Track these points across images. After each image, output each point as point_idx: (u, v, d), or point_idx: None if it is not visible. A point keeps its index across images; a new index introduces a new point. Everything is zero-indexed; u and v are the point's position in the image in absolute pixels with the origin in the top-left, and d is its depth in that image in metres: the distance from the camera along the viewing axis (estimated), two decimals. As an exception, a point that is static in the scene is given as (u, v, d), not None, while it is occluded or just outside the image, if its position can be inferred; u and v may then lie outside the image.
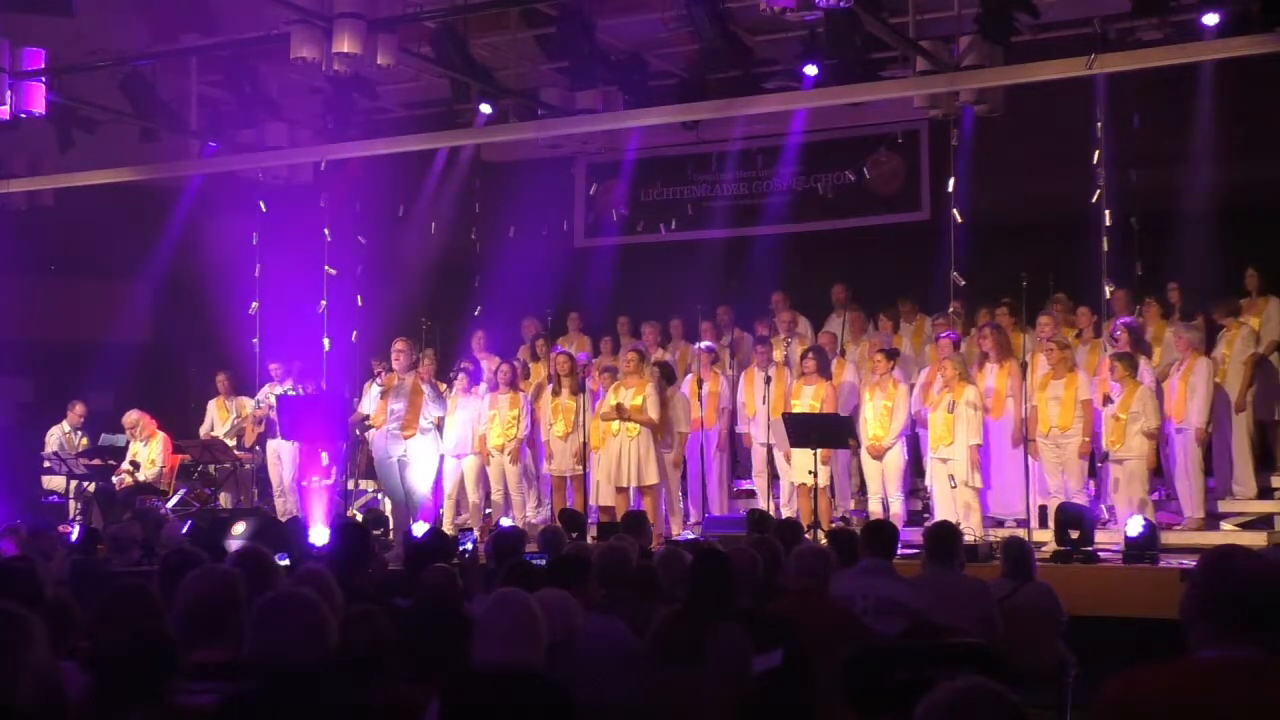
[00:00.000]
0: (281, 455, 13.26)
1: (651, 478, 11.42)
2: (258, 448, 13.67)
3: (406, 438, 11.30)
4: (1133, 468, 10.26)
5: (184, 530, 9.98)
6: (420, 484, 11.41)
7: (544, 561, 6.94)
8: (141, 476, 13.08)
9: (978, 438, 10.62)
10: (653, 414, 11.42)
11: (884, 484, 11.20)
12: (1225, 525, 10.80)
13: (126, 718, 3.57)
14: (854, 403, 11.67)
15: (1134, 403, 10.23)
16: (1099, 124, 11.08)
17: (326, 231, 13.61)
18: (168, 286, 15.79)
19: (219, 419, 13.91)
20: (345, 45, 10.32)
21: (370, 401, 11.71)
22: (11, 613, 3.28)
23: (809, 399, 11.30)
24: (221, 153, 13.69)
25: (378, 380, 11.61)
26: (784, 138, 14.67)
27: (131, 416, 13.32)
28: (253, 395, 13.88)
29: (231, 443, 13.69)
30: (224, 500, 13.58)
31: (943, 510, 10.58)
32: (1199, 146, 12.09)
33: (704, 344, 12.31)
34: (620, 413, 11.39)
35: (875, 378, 11.31)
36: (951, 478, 10.64)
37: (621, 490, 11.50)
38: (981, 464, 10.73)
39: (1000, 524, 10.86)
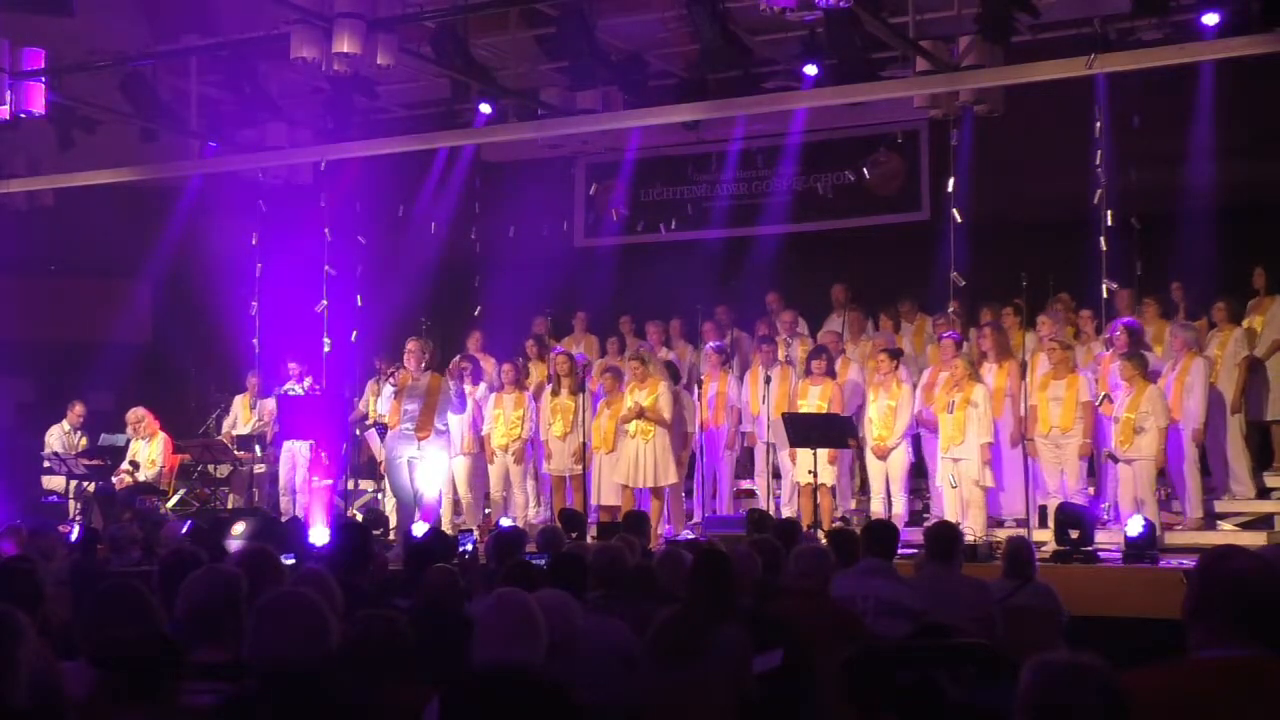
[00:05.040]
0: (296, 455, 13.21)
1: (670, 478, 11.49)
2: (257, 447, 13.66)
3: (421, 439, 11.23)
4: (1141, 468, 10.25)
5: (184, 530, 9.97)
6: (428, 485, 11.37)
7: (544, 561, 6.94)
8: (141, 476, 13.08)
9: (989, 436, 10.61)
10: (666, 414, 11.45)
11: (887, 483, 11.20)
12: (1225, 525, 10.80)
13: (128, 717, 3.57)
14: (857, 402, 11.68)
15: (1143, 403, 10.22)
16: (1099, 124, 11.07)
17: (326, 231, 13.61)
18: (168, 286, 15.79)
19: (243, 418, 13.91)
20: (345, 45, 10.32)
21: (384, 401, 11.66)
22: (2, 612, 3.28)
23: (815, 399, 11.31)
24: (221, 153, 13.69)
25: (390, 380, 11.53)
26: (784, 138, 14.67)
27: (136, 413, 13.34)
28: (251, 394, 13.90)
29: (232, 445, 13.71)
30: (233, 500, 13.56)
31: (948, 510, 10.58)
32: (1199, 146, 12.09)
33: (713, 344, 12.32)
34: (641, 413, 11.41)
35: (879, 378, 11.31)
36: (952, 477, 10.64)
37: (627, 490, 11.52)
38: (994, 463, 10.74)
39: (1000, 524, 10.87)
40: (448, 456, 11.79)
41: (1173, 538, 10.18)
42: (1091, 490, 10.88)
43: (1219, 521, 10.83)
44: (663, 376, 11.68)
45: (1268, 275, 11.52)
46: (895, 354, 11.49)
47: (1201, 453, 10.76)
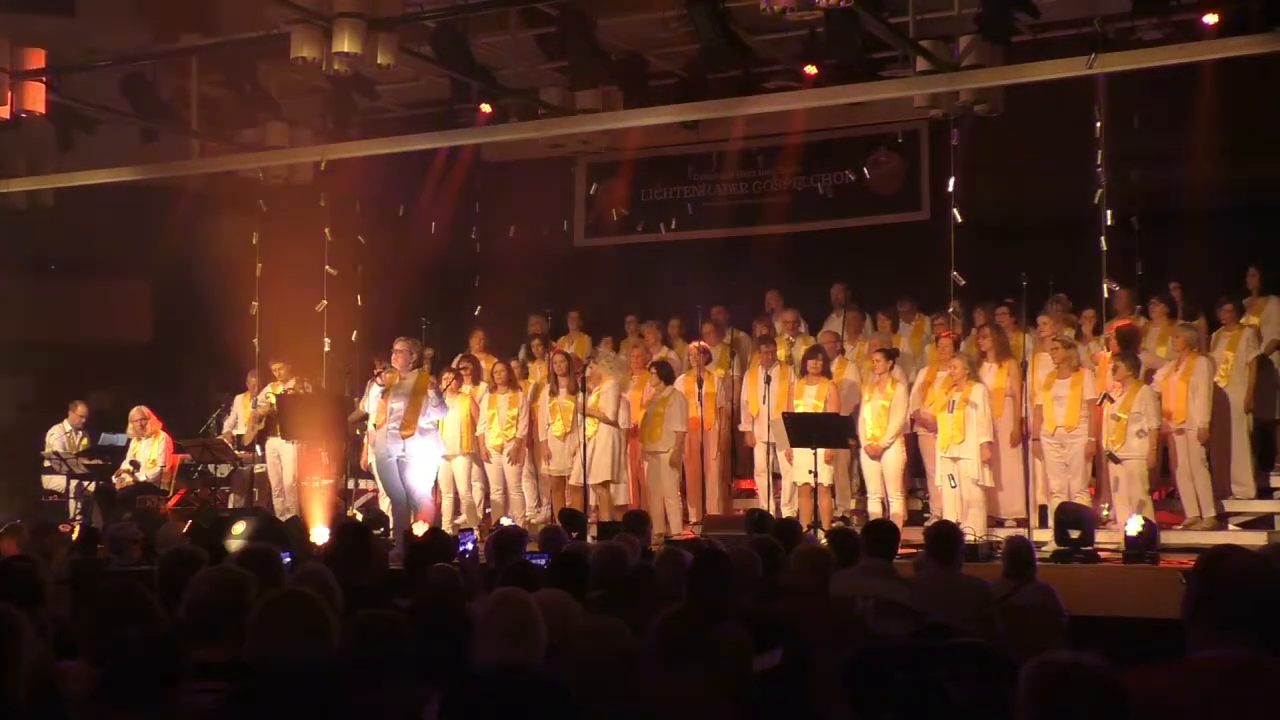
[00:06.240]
0: (281, 455, 13.26)
1: (603, 474, 11.64)
2: (257, 447, 13.67)
3: (405, 437, 11.28)
4: (1133, 468, 10.26)
5: (184, 530, 9.97)
6: (419, 484, 11.41)
7: (544, 561, 6.94)
8: (141, 476, 13.08)
9: (989, 435, 10.62)
10: (609, 413, 11.53)
11: (883, 484, 11.21)
12: (1228, 525, 10.80)
13: (128, 717, 3.57)
14: (855, 402, 11.68)
15: (1135, 403, 10.24)
16: (1099, 124, 11.06)
17: (327, 231, 13.61)
18: (168, 286, 15.78)
19: (243, 418, 13.93)
20: (345, 45, 10.31)
21: (371, 400, 11.71)
22: (1, 611, 3.28)
23: (812, 398, 11.32)
24: (221, 153, 13.69)
25: (378, 379, 11.58)
26: (784, 138, 14.67)
27: (140, 411, 13.38)
28: (252, 394, 13.91)
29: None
30: (233, 500, 13.57)
31: (948, 510, 10.58)
32: (1199, 146, 12.08)
33: (698, 344, 12.38)
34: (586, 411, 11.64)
35: (874, 377, 11.33)
36: (951, 477, 10.64)
37: (594, 486, 11.69)
38: (993, 462, 10.74)
39: (1000, 524, 10.86)
40: (437, 453, 11.81)
41: (1173, 538, 10.18)
42: (1092, 490, 10.87)
43: (1220, 520, 10.83)
44: (611, 376, 11.81)
45: (1262, 275, 11.53)
46: (891, 354, 11.50)
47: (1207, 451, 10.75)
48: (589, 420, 11.63)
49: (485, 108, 12.77)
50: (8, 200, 14.53)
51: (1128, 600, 8.69)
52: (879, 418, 11.16)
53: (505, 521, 11.03)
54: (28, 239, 14.61)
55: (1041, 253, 11.95)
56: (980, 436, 10.59)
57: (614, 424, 11.73)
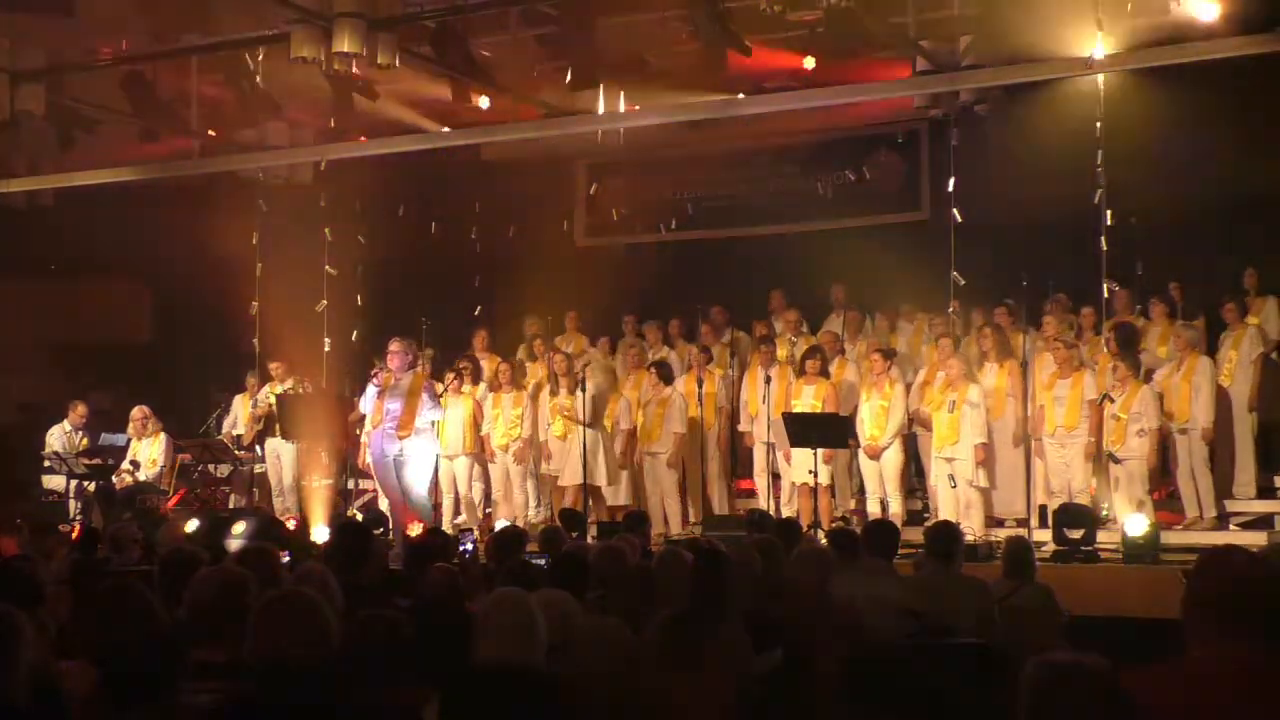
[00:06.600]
0: (281, 455, 13.26)
1: (592, 478, 11.67)
2: (257, 447, 13.68)
3: (402, 438, 11.29)
4: (1133, 468, 10.27)
5: (191, 529, 9.97)
6: (416, 484, 11.42)
7: (544, 561, 6.94)
8: (141, 476, 13.10)
9: (983, 436, 10.63)
10: (583, 414, 11.65)
11: (882, 484, 11.21)
12: (1229, 525, 10.80)
13: (128, 717, 3.57)
14: (855, 402, 11.68)
15: (1135, 403, 10.24)
16: (1099, 124, 11.06)
17: (327, 231, 13.60)
18: (168, 286, 15.78)
19: (243, 418, 13.94)
20: (345, 45, 10.31)
21: (367, 401, 11.72)
22: (1, 611, 3.28)
23: (810, 398, 11.32)
24: (221, 153, 13.69)
25: (374, 380, 11.60)
26: (784, 138, 14.66)
27: (142, 411, 13.39)
28: (251, 394, 13.92)
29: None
30: (233, 500, 13.58)
31: (946, 510, 10.58)
32: (1199, 146, 12.08)
33: (697, 345, 12.43)
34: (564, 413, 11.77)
35: (872, 377, 11.33)
36: (951, 477, 10.64)
37: (574, 487, 11.77)
38: (988, 463, 10.74)
39: (1000, 524, 10.87)
40: (433, 453, 11.82)
41: (1174, 538, 10.18)
42: (1092, 490, 10.87)
43: (1223, 521, 10.83)
44: (593, 378, 11.92)
45: (1260, 275, 11.53)
46: (889, 354, 11.51)
47: (1210, 451, 10.74)
48: (567, 423, 11.65)
49: (484, 103, 12.75)
50: (8, 200, 14.52)
51: (1128, 600, 8.70)
52: (877, 418, 11.16)
53: (504, 522, 11.03)
54: (28, 239, 14.60)
55: (1041, 253, 11.94)
56: (974, 438, 10.59)
57: (590, 425, 11.74)
